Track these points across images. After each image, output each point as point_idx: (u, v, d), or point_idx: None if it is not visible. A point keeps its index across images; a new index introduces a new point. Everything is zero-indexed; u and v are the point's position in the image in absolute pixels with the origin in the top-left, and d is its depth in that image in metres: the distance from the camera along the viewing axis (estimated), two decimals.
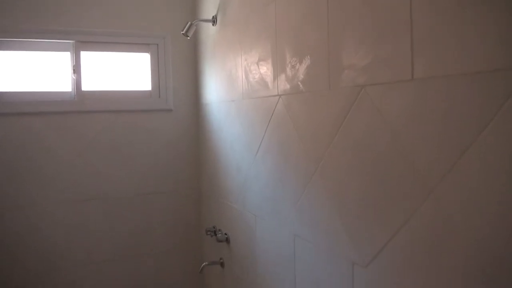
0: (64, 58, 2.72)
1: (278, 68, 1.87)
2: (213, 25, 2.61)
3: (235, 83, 2.34)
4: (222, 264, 2.67)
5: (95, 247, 2.78)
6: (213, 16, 2.59)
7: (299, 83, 1.72)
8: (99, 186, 2.77)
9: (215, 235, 2.64)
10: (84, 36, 2.71)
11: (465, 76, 1.02)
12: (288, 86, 1.80)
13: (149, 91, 2.92)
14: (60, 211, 2.68)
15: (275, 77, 1.90)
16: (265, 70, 1.99)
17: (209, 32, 2.71)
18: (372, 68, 1.32)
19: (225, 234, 2.59)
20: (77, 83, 2.71)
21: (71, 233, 2.72)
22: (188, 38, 2.60)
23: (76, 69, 2.70)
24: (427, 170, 1.14)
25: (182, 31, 2.50)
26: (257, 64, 2.06)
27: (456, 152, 1.05)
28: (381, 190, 1.31)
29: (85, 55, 2.74)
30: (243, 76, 2.23)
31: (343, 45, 1.45)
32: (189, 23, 2.50)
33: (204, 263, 2.68)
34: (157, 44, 2.90)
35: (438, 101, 1.10)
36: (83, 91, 2.73)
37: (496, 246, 0.96)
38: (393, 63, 1.24)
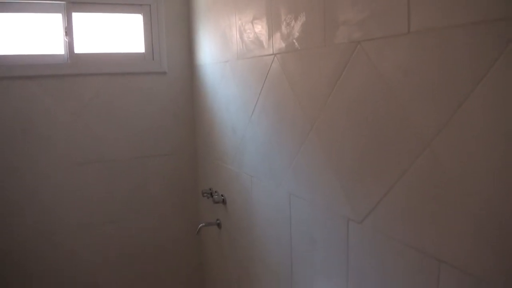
0: (55, 20, 2.67)
1: (273, 27, 1.84)
2: None
3: (230, 43, 2.31)
4: (219, 225, 2.70)
5: (93, 210, 2.80)
6: None
7: (294, 41, 1.70)
8: (96, 149, 2.77)
9: (212, 196, 2.66)
10: None
11: (461, 27, 1.01)
12: (283, 45, 1.78)
13: (143, 53, 2.88)
14: (57, 175, 2.69)
15: (270, 35, 1.87)
16: (260, 29, 1.96)
17: None
18: (368, 23, 1.31)
19: (222, 195, 2.61)
20: (70, 46, 2.66)
21: (69, 196, 2.73)
22: None
23: (68, 31, 2.65)
24: (423, 124, 1.14)
25: None
26: (252, 23, 2.03)
27: (452, 106, 1.04)
28: (377, 145, 1.32)
29: (77, 17, 2.69)
30: (238, 36, 2.20)
31: (339, 0, 1.42)
32: None
33: (201, 224, 2.70)
34: (150, 5, 2.85)
35: (434, 54, 1.09)
36: (76, 53, 2.69)
37: (491, 199, 0.97)
38: (389, 17, 1.22)
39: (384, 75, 1.26)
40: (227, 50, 2.36)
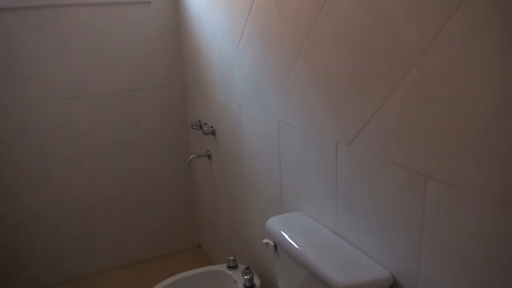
0: None
1: None
2: None
3: None
4: (209, 156, 2.72)
5: (82, 145, 2.80)
6: None
7: None
8: (82, 83, 2.73)
9: (201, 128, 2.66)
10: None
11: None
12: None
13: None
14: (44, 111, 2.66)
15: None
16: None
17: None
18: None
19: (211, 127, 2.61)
20: None
21: (57, 132, 2.72)
22: None
23: None
24: (410, 42, 1.12)
25: None
26: None
27: (440, 21, 1.03)
28: (365, 67, 1.30)
29: None
30: None
31: None
32: None
33: (192, 156, 2.72)
34: None
35: None
36: None
37: (477, 115, 0.98)
38: None
39: None
40: None
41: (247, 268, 2.14)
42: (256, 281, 2.11)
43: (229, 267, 2.24)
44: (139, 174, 3.00)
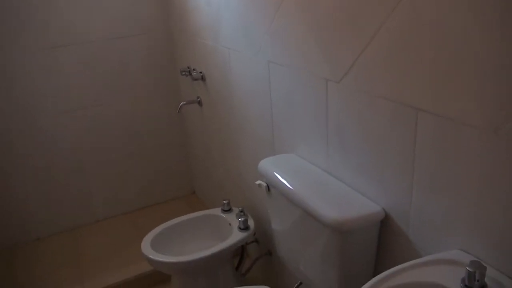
0: None
1: None
2: None
3: None
4: (199, 103, 2.70)
5: (73, 94, 2.75)
6: None
7: None
8: (68, 30, 2.64)
9: (190, 74, 2.62)
10: None
11: None
12: None
13: None
14: (32, 60, 2.60)
15: None
16: None
17: None
18: None
19: (200, 72, 2.57)
20: None
21: (46, 82, 2.66)
22: None
23: None
24: None
25: None
26: None
27: None
28: (354, 1, 1.27)
29: None
30: None
31: None
32: None
33: (182, 103, 2.69)
34: None
35: None
36: None
37: (468, 43, 0.96)
38: None
39: None
40: None
41: (241, 211, 2.17)
42: (250, 223, 2.14)
43: (224, 211, 2.26)
44: (129, 123, 2.98)
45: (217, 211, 2.29)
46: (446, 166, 1.09)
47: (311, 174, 1.61)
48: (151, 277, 2.45)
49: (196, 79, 2.57)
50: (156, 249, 2.03)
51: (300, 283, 1.85)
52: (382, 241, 1.40)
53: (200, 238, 2.22)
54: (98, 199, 3.02)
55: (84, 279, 2.42)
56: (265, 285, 1.74)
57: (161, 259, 1.97)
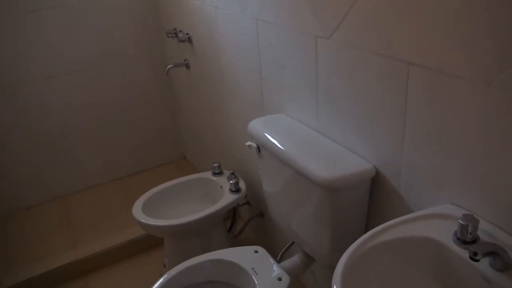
0: None
1: None
2: None
3: None
4: (187, 65, 2.65)
5: (58, 60, 2.69)
6: None
7: None
8: None
9: (177, 36, 2.56)
10: None
11: None
12: None
13: None
14: (14, 24, 2.52)
15: None
16: None
17: None
18: None
19: (187, 34, 2.51)
20: None
21: (30, 47, 2.59)
22: None
23: None
24: None
25: None
26: None
27: None
28: None
29: None
30: None
31: None
32: None
33: (169, 66, 2.64)
34: None
35: None
36: None
37: None
38: None
39: None
40: None
41: (232, 174, 2.16)
42: (242, 185, 2.13)
43: (214, 174, 2.25)
44: (117, 88, 2.93)
45: (208, 174, 2.28)
46: (438, 120, 1.08)
47: (301, 133, 1.59)
48: (144, 242, 2.46)
49: (182, 41, 2.52)
50: (147, 213, 2.02)
51: (292, 243, 1.87)
52: (373, 199, 1.40)
53: (191, 201, 2.22)
54: (88, 166, 3.00)
55: (77, 245, 2.43)
56: (257, 245, 1.74)
57: (152, 223, 1.97)
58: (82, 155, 2.96)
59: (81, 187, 3.02)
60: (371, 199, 1.40)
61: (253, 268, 1.62)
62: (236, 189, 2.10)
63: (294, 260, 1.72)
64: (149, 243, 2.47)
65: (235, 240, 2.29)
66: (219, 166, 2.25)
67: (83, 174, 3.00)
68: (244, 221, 2.34)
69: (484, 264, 0.93)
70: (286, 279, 1.57)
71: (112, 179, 3.11)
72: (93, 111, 2.90)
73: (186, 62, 2.64)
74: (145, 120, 3.10)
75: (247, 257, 1.69)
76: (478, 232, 0.98)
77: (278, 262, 1.70)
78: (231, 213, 2.31)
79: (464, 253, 0.96)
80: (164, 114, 3.16)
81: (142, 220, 1.98)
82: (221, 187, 2.17)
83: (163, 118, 3.16)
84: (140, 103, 3.04)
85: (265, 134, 1.60)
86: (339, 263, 0.98)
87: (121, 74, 2.91)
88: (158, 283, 1.59)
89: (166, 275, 1.63)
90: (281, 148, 1.50)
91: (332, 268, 1.39)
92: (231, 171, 2.17)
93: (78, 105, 2.84)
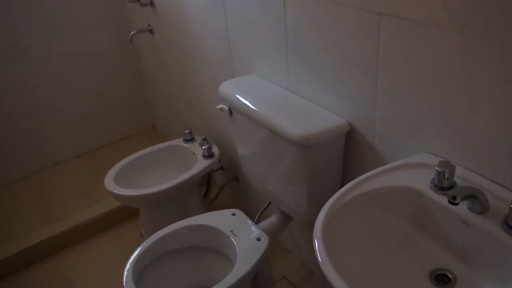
0: None
1: None
2: None
3: None
4: (151, 31, 2.57)
5: (17, 32, 2.57)
6: None
7: None
8: None
9: (138, 0, 2.47)
10: None
11: None
12: None
13: None
14: None
15: None
16: None
17: None
18: None
19: None
20: None
21: None
22: None
23: None
24: None
25: None
26: None
27: None
28: None
29: None
30: None
31: None
32: None
33: (132, 32, 2.56)
34: None
35: None
36: None
37: None
38: None
39: None
40: None
41: (204, 139, 2.13)
42: (215, 150, 2.11)
43: (186, 141, 2.22)
44: (80, 59, 2.82)
45: (179, 141, 2.25)
46: (411, 70, 1.07)
47: (273, 93, 1.57)
48: (118, 213, 2.42)
49: (144, 5, 2.43)
50: (120, 183, 1.98)
51: (269, 204, 1.87)
52: (349, 154, 1.40)
53: (164, 169, 2.19)
54: (56, 141, 2.92)
55: (51, 222, 2.37)
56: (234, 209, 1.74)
57: (126, 193, 1.93)
58: (49, 130, 2.86)
59: (50, 163, 2.94)
60: (346, 155, 1.40)
61: (231, 231, 1.62)
62: (209, 155, 2.07)
63: (271, 220, 1.73)
64: (124, 215, 2.44)
65: (211, 206, 2.28)
66: (190, 133, 2.21)
67: (51, 150, 2.92)
68: (219, 186, 2.32)
69: (462, 208, 0.94)
70: (265, 239, 1.58)
71: (82, 153, 3.04)
72: (58, 83, 2.79)
73: (149, 27, 2.56)
74: (112, 91, 3.01)
75: (225, 220, 1.69)
76: (455, 178, 0.99)
77: (256, 223, 1.71)
78: (206, 179, 2.29)
79: (442, 200, 0.97)
80: (131, 84, 3.08)
81: (115, 191, 1.94)
82: (193, 153, 2.14)
83: (130, 88, 3.08)
84: (105, 74, 2.94)
85: (236, 95, 1.57)
86: (318, 217, 0.98)
87: (83, 44, 2.80)
88: (136, 252, 1.58)
89: (144, 244, 1.61)
90: (253, 109, 1.48)
91: (310, 225, 1.39)
92: (203, 136, 2.14)
93: (43, 78, 2.73)
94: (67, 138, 2.95)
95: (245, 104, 1.51)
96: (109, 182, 1.99)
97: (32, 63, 2.67)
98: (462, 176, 1.00)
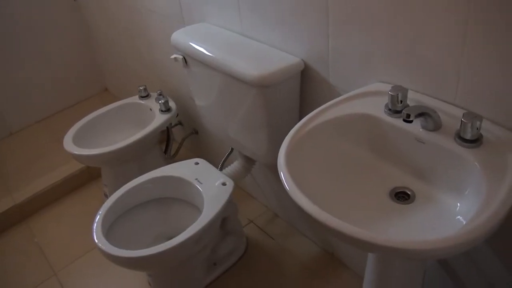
0: None
1: None
2: None
3: None
4: None
5: None
6: None
7: None
8: None
9: None
10: None
11: None
12: None
13: None
14: None
15: None
16: None
17: None
18: None
19: None
20: None
21: None
22: None
23: None
24: None
25: None
26: None
27: None
28: None
29: None
30: None
31: None
32: None
33: None
34: None
35: None
36: None
37: None
38: None
39: None
40: None
41: (160, 94, 2.11)
42: (171, 104, 2.10)
43: (141, 97, 2.20)
44: (25, 24, 2.70)
45: (135, 98, 2.22)
46: (358, 1, 1.10)
47: (227, 38, 1.57)
48: (80, 176, 2.40)
49: None
50: (79, 144, 1.96)
51: (231, 151, 1.90)
52: (305, 92, 1.44)
53: (123, 127, 2.16)
54: (8, 111, 2.82)
55: (12, 191, 2.32)
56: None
57: (86, 153, 1.92)
58: (1, 101, 2.76)
59: (4, 134, 2.85)
60: (302, 93, 1.44)
61: (196, 179, 1.65)
62: (166, 109, 2.07)
63: (235, 165, 1.76)
64: (86, 178, 2.42)
65: (172, 161, 2.28)
66: (145, 89, 2.19)
67: (4, 120, 2.82)
68: (179, 142, 2.33)
69: (416, 128, 1.00)
70: (230, 183, 1.61)
71: (35, 121, 2.95)
72: (5, 53, 2.68)
73: None
74: (59, 55, 2.91)
75: (189, 169, 1.71)
76: (408, 102, 1.04)
77: (220, 170, 1.74)
78: (165, 135, 2.28)
79: (397, 122, 1.02)
80: (79, 45, 2.97)
81: (75, 152, 1.92)
82: (150, 109, 2.13)
83: (78, 50, 2.98)
84: (52, 37, 2.83)
85: (190, 43, 1.56)
86: (280, 150, 1.01)
87: (27, 7, 2.67)
88: (103, 208, 1.58)
89: (108, 200, 1.62)
90: (208, 55, 1.48)
91: (272, 167, 1.43)
92: (159, 91, 2.12)
93: None
94: (20, 107, 2.85)
95: (199, 51, 1.51)
96: (68, 144, 1.96)
97: None
98: (415, 98, 1.05)
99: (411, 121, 0.91)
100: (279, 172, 0.96)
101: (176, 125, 2.31)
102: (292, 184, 0.93)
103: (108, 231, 1.54)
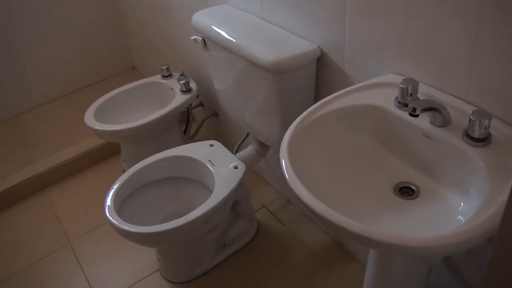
0: None
1: None
2: None
3: None
4: None
5: None
6: None
7: None
8: None
9: None
10: None
11: None
12: None
13: None
14: None
15: None
16: None
17: None
18: None
19: None
20: None
21: None
22: None
23: None
24: None
25: None
26: None
27: None
28: None
29: None
30: None
31: None
32: None
33: None
34: None
35: None
36: None
37: None
38: None
39: None
40: None
41: (182, 74, 2.13)
42: (193, 85, 2.11)
43: (164, 77, 2.22)
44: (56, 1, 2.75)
45: (157, 78, 2.25)
46: None
47: (246, 22, 1.56)
48: (101, 151, 2.45)
49: None
50: (100, 120, 2.00)
51: (247, 135, 1.91)
52: (320, 79, 1.42)
53: (143, 106, 2.19)
54: (36, 83, 2.88)
55: (34, 161, 2.39)
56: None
57: (106, 128, 1.96)
58: (28, 72, 2.81)
59: (32, 105, 2.92)
60: (318, 81, 1.43)
61: (209, 160, 1.66)
62: (187, 89, 2.08)
63: (249, 149, 1.77)
64: (106, 153, 2.46)
65: (190, 141, 2.30)
66: (167, 69, 2.21)
67: (32, 92, 2.89)
68: (199, 123, 2.34)
69: (424, 122, 0.98)
70: (242, 167, 1.62)
71: (62, 95, 3.01)
72: (35, 26, 2.73)
73: None
74: (90, 31, 2.95)
75: (203, 151, 1.72)
76: (419, 95, 1.02)
77: (234, 154, 1.74)
78: (185, 116, 2.30)
79: (405, 115, 1.00)
80: (109, 23, 3.01)
81: (96, 127, 1.96)
82: (172, 89, 2.15)
83: (108, 28, 3.02)
84: (83, 14, 2.88)
85: (210, 25, 1.56)
86: (284, 137, 1.01)
87: None
88: (117, 183, 1.62)
89: (122, 176, 1.65)
90: (227, 38, 1.48)
91: None
92: (181, 72, 2.13)
93: (19, 21, 2.67)
94: (48, 81, 2.92)
95: (219, 33, 1.51)
96: (89, 119, 2.00)
97: (11, 4, 2.60)
98: (427, 93, 1.03)
99: (417, 115, 0.89)
100: (280, 159, 0.96)
101: (197, 106, 2.33)
102: (292, 173, 0.93)
103: (121, 206, 1.58)
